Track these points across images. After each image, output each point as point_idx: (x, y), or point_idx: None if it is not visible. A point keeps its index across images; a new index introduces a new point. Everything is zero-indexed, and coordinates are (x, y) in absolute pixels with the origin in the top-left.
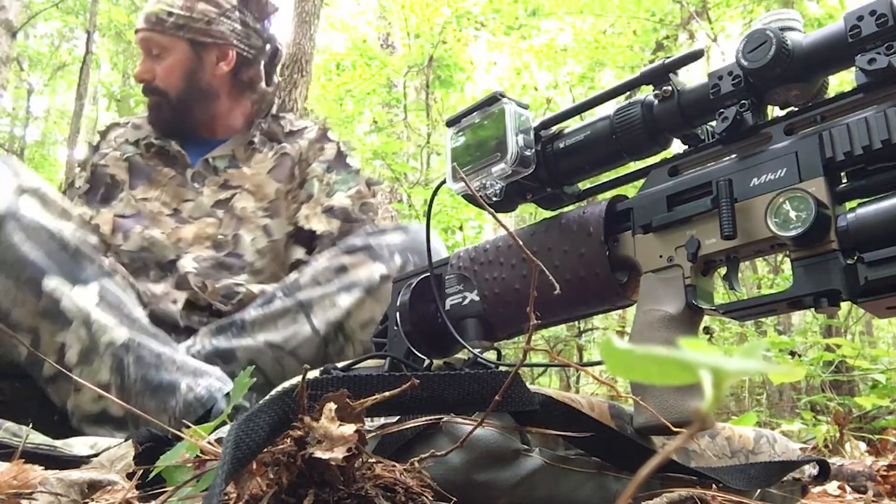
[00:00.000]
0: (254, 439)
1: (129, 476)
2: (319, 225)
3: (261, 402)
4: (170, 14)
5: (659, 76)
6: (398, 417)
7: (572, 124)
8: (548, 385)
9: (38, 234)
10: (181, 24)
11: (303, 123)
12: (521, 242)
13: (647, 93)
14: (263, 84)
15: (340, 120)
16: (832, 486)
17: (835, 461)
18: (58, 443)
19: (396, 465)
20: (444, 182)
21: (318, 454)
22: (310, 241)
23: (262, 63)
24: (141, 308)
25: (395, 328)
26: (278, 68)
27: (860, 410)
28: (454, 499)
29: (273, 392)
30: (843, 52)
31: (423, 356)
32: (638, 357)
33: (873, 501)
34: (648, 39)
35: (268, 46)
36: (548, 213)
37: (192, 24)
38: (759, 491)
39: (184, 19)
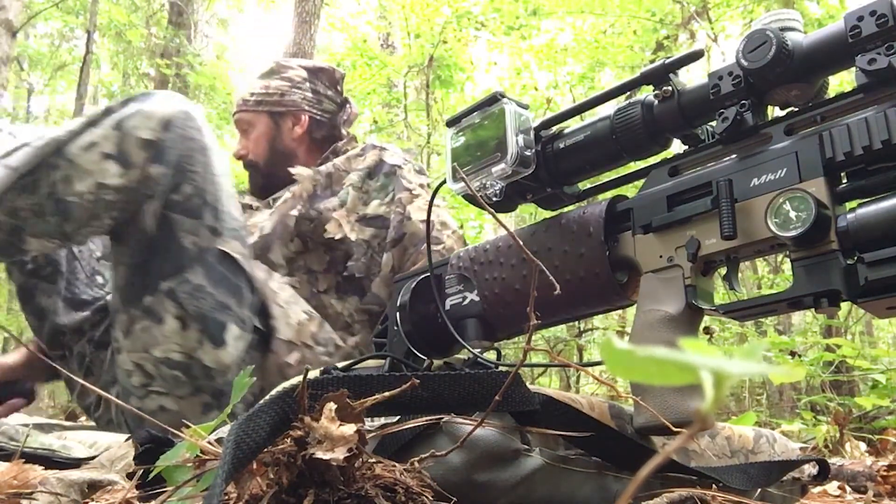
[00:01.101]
0: (254, 439)
1: (129, 476)
2: (351, 233)
3: (261, 402)
4: (252, 94)
5: (659, 76)
6: (398, 417)
7: (572, 124)
8: (548, 385)
9: None
10: (260, 101)
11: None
12: (521, 242)
13: (647, 93)
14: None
15: None
16: (832, 487)
17: (835, 461)
18: (56, 444)
19: (396, 465)
20: (444, 182)
21: (319, 454)
22: (341, 250)
23: (336, 121)
24: None
25: (395, 328)
26: (350, 123)
27: (860, 410)
28: (454, 499)
29: (273, 392)
30: (843, 52)
31: (423, 356)
32: (638, 357)
33: (873, 501)
34: (649, 39)
35: (341, 107)
36: (548, 213)
37: (268, 98)
38: (758, 491)
39: (261, 96)
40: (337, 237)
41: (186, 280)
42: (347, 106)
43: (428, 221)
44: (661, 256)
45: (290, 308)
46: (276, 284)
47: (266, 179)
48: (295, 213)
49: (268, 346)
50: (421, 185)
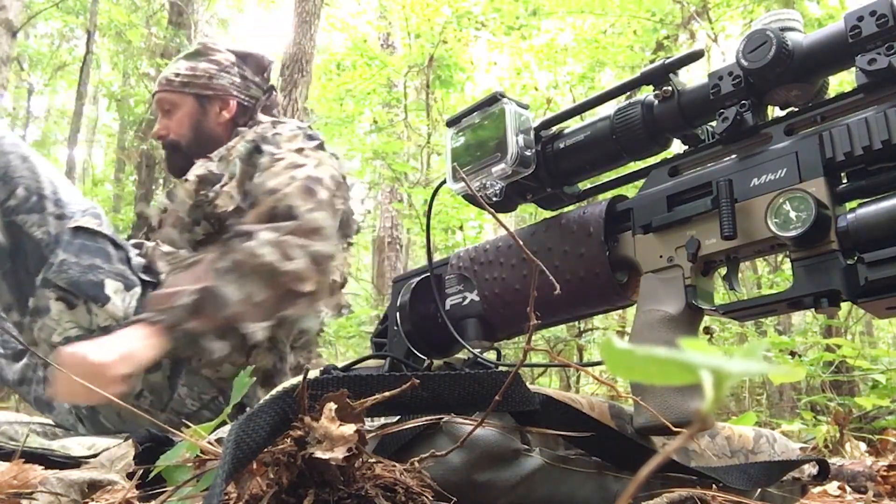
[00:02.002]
0: (254, 439)
1: (129, 476)
2: (243, 204)
3: (261, 401)
4: (177, 75)
5: (659, 76)
6: (398, 417)
7: (572, 124)
8: (548, 385)
9: None
10: (186, 82)
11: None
12: (521, 242)
13: (647, 93)
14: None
15: (341, 120)
16: (832, 487)
17: (835, 461)
18: (55, 444)
19: (396, 465)
20: (444, 182)
21: (319, 454)
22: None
23: (261, 107)
24: None
25: (396, 328)
26: (271, 110)
27: (860, 411)
28: (454, 499)
29: (274, 392)
30: (843, 52)
31: (423, 356)
32: (638, 357)
33: (873, 502)
34: (649, 39)
35: (267, 94)
36: (548, 214)
37: (196, 80)
38: (758, 491)
39: (188, 77)
40: (229, 209)
41: (51, 264)
42: (273, 93)
43: (428, 221)
44: (661, 256)
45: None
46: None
47: (185, 161)
48: (189, 200)
49: None
50: (297, 151)
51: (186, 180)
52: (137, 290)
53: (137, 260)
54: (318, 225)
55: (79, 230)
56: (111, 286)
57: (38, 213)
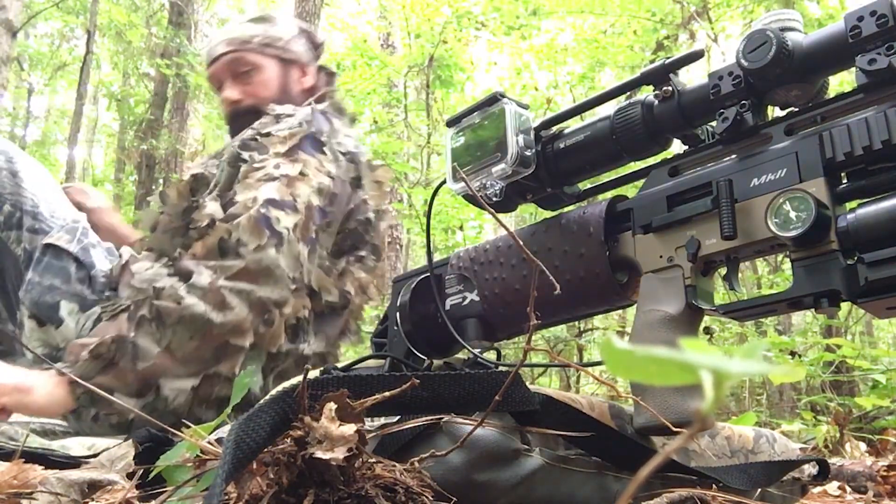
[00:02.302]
0: (254, 439)
1: (129, 476)
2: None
3: (261, 401)
4: (252, 36)
5: (659, 76)
6: (398, 417)
7: (572, 124)
8: (548, 385)
9: None
10: (267, 43)
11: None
12: (521, 242)
13: (647, 93)
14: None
15: None
16: (832, 487)
17: (835, 461)
18: (55, 444)
19: (396, 465)
20: (444, 182)
21: (319, 454)
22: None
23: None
24: None
25: (395, 328)
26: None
27: (860, 411)
28: (454, 499)
29: (274, 392)
30: (843, 52)
31: (423, 356)
32: (638, 357)
33: (873, 502)
34: (649, 39)
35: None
36: (548, 214)
37: (276, 42)
38: (758, 491)
39: (267, 39)
40: (202, 224)
41: (25, 281)
42: (335, 78)
43: (428, 222)
44: (661, 256)
45: (143, 286)
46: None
47: None
48: (181, 203)
49: None
50: (285, 155)
51: (181, 180)
52: (96, 310)
53: (104, 280)
54: (266, 266)
55: (48, 247)
56: (66, 308)
57: (17, 229)
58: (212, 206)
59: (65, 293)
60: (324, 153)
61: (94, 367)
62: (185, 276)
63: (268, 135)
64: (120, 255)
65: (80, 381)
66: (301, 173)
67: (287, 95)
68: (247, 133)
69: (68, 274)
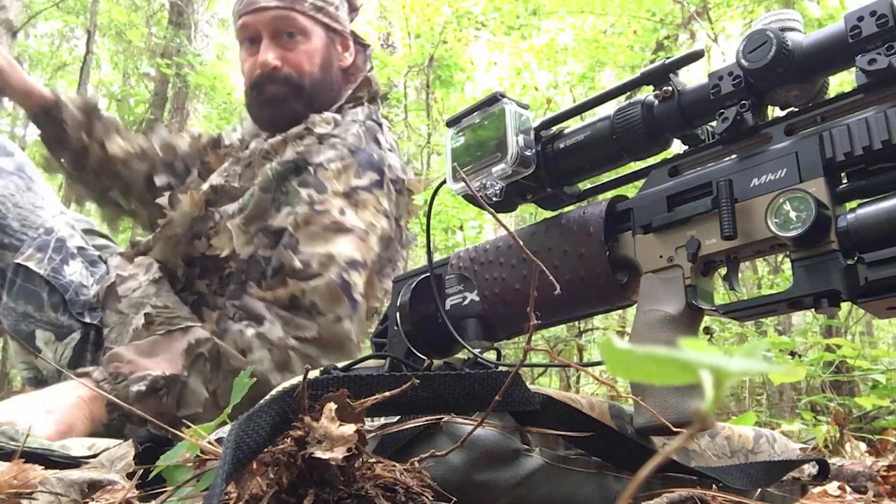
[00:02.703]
0: (254, 439)
1: (130, 476)
2: (244, 248)
3: (261, 401)
4: None
5: (659, 76)
6: (398, 417)
7: (572, 124)
8: (548, 385)
9: None
10: (320, 7)
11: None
12: (521, 242)
13: (647, 93)
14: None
15: None
16: (832, 487)
17: (835, 461)
18: (55, 444)
19: (396, 465)
20: (444, 182)
21: (319, 454)
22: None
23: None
24: None
25: (395, 328)
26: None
27: (860, 411)
28: (454, 499)
29: (274, 392)
30: (843, 52)
31: (423, 356)
32: (638, 357)
33: (873, 502)
34: (649, 39)
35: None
36: (548, 213)
37: (328, 7)
38: (758, 491)
39: (321, 2)
40: (223, 253)
41: (1, 302)
42: (369, 51)
43: (428, 222)
44: (661, 256)
45: (130, 312)
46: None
47: (304, 108)
48: (193, 212)
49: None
50: (345, 196)
51: (198, 189)
52: (75, 336)
53: (84, 299)
54: (340, 339)
55: (19, 268)
56: (42, 337)
57: None
58: (234, 233)
59: (39, 321)
60: (380, 187)
61: (136, 394)
62: (256, 319)
63: (319, 166)
64: (106, 266)
65: (119, 403)
66: (371, 224)
67: (327, 73)
68: (287, 154)
69: (41, 300)
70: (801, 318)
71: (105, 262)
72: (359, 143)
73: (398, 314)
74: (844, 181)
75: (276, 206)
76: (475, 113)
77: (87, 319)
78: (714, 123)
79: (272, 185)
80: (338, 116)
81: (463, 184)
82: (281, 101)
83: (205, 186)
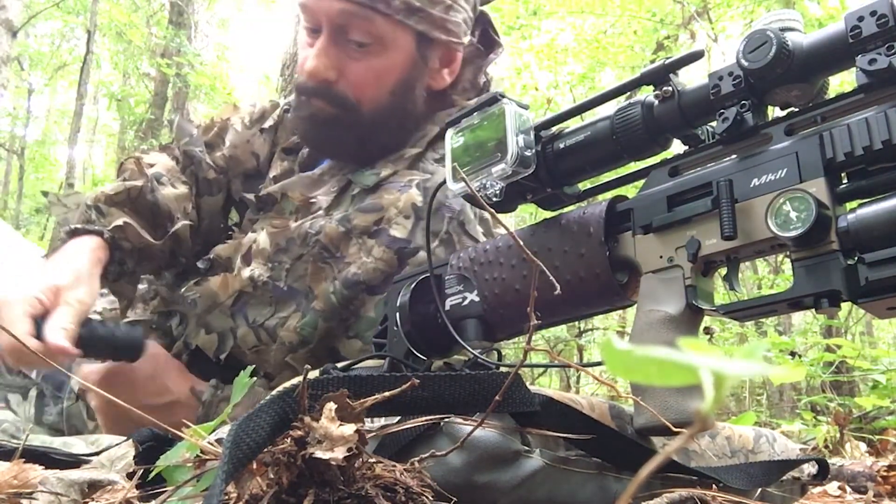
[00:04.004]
0: (254, 439)
1: (129, 476)
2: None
3: (261, 401)
4: None
5: (659, 76)
6: (398, 418)
7: (572, 124)
8: (548, 385)
9: None
10: (416, 8)
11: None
12: (521, 242)
13: (647, 93)
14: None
15: None
16: (832, 487)
17: (835, 462)
18: (57, 441)
19: (396, 465)
20: (444, 182)
21: (319, 454)
22: None
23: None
24: None
25: (395, 328)
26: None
27: (860, 411)
28: (454, 499)
29: (274, 392)
30: (843, 52)
31: (422, 356)
32: (638, 358)
33: (873, 502)
34: (649, 39)
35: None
36: (548, 214)
37: (432, 8)
38: (758, 491)
39: (420, 2)
40: None
41: None
42: (498, 51)
43: (428, 222)
44: (661, 257)
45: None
46: None
47: (360, 143)
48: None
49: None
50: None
51: (236, 272)
52: (33, 392)
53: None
54: None
55: None
56: (13, 399)
57: None
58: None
59: (3, 385)
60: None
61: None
62: None
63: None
64: None
65: None
66: None
67: (404, 99)
68: (447, 212)
69: None
70: (801, 318)
71: None
72: (458, 207)
73: (398, 314)
74: (845, 181)
75: (347, 333)
76: (475, 113)
77: (33, 375)
78: (714, 123)
79: (336, 313)
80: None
81: (463, 184)
82: (330, 124)
83: (245, 273)
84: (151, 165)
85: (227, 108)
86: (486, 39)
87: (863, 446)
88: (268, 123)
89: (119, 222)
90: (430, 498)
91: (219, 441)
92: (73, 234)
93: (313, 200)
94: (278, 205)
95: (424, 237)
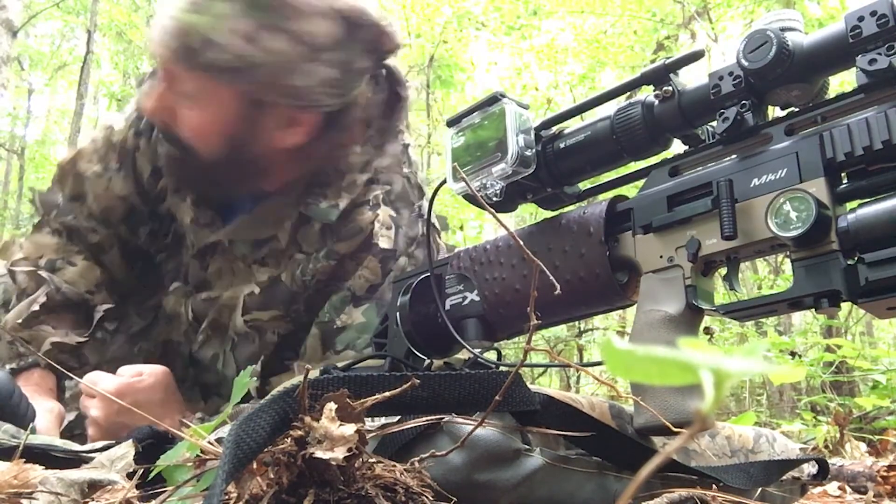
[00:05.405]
0: (254, 439)
1: (130, 475)
2: None
3: (261, 401)
4: (211, 45)
5: (660, 76)
6: (399, 417)
7: (573, 124)
8: (548, 385)
9: None
10: (234, 68)
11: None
12: (521, 242)
13: (647, 93)
14: (357, 147)
15: None
16: (832, 487)
17: (835, 462)
18: (58, 441)
19: (396, 465)
20: (444, 182)
21: (319, 454)
22: None
23: (362, 116)
24: None
25: (395, 328)
26: (400, 123)
27: (860, 411)
28: (454, 499)
29: (274, 392)
30: (843, 52)
31: (423, 356)
32: (638, 357)
33: (873, 502)
34: (649, 39)
35: (379, 94)
36: (548, 213)
37: (255, 71)
38: (758, 490)
39: (241, 62)
40: None
41: None
42: (397, 88)
43: (429, 222)
44: (661, 256)
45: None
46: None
47: (204, 180)
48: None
49: None
50: None
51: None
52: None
53: None
54: None
55: None
56: None
57: None
58: None
59: None
60: None
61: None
62: None
63: None
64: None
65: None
66: None
67: (239, 152)
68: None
69: None
70: (801, 318)
71: None
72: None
73: (398, 314)
74: (845, 181)
75: (335, 347)
76: (475, 113)
77: None
78: (714, 123)
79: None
80: None
81: (463, 184)
82: (181, 164)
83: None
84: (39, 258)
85: (69, 151)
86: (392, 96)
87: (863, 446)
88: (115, 160)
89: (47, 346)
90: (430, 498)
91: (219, 441)
92: (16, 373)
93: (267, 241)
94: (227, 250)
95: (405, 244)
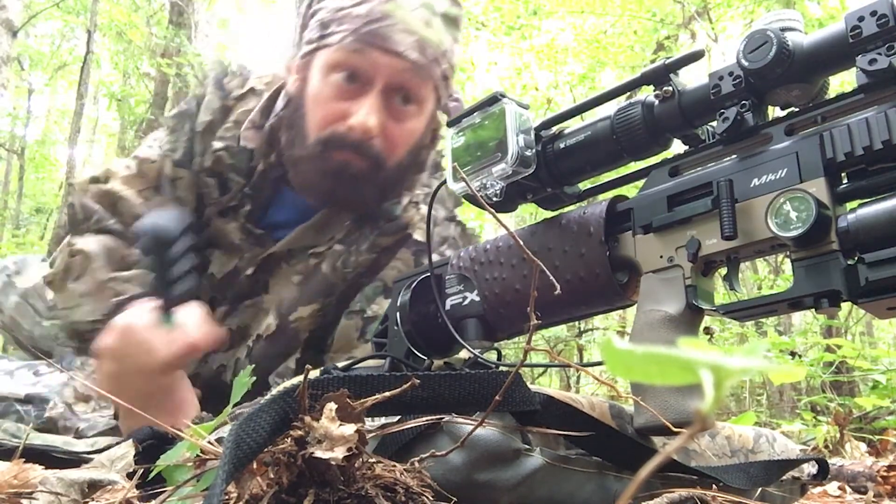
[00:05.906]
0: (254, 439)
1: (130, 475)
2: None
3: (262, 401)
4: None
5: (660, 76)
6: (399, 417)
7: (573, 124)
8: (548, 385)
9: None
10: (446, 77)
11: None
12: (521, 242)
13: (647, 93)
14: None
15: None
16: (832, 487)
17: (835, 462)
18: (58, 441)
19: (396, 465)
20: (444, 182)
21: (319, 454)
22: None
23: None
24: None
25: (396, 328)
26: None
27: (860, 411)
28: (454, 499)
29: (274, 391)
30: (843, 52)
31: (423, 356)
32: (638, 357)
33: (873, 502)
34: (649, 39)
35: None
36: (548, 213)
37: (450, 78)
38: (758, 491)
39: (452, 72)
40: None
41: None
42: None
43: (429, 221)
44: (661, 256)
45: None
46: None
47: (368, 192)
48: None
49: None
50: None
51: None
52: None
53: None
54: None
55: None
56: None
57: None
58: None
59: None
60: None
61: None
62: None
63: None
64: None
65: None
66: None
67: (413, 159)
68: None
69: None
70: (801, 318)
71: None
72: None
73: (398, 314)
74: (845, 181)
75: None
76: (475, 113)
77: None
78: (714, 123)
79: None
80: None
81: (463, 184)
82: (356, 177)
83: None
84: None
85: (102, 171)
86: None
87: (863, 446)
88: (151, 188)
89: None
90: (430, 498)
91: (219, 441)
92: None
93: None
94: (284, 260)
95: (438, 243)
